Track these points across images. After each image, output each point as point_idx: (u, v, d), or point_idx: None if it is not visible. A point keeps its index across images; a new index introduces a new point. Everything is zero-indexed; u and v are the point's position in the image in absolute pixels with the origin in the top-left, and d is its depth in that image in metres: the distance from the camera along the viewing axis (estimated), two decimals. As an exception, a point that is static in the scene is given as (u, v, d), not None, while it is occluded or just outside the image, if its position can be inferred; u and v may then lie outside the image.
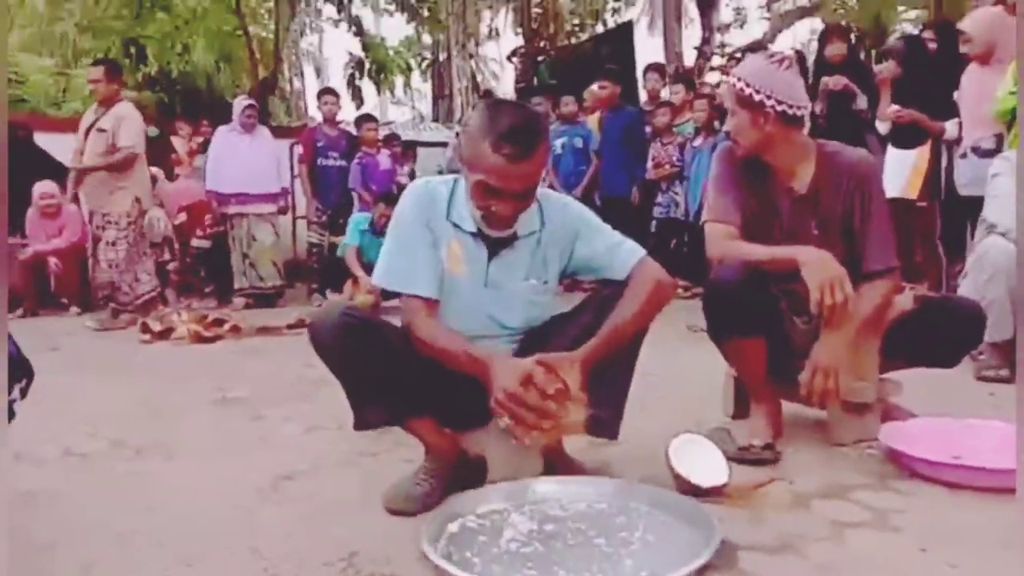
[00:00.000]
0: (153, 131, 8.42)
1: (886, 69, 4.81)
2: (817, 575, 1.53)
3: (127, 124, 5.58)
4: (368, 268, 5.56)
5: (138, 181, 5.77)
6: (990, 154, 3.87)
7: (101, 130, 5.55)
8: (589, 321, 1.87)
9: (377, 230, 5.91)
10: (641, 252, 1.95)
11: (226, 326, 5.09)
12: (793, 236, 2.28)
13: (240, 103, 6.91)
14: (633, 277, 1.89)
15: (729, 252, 2.26)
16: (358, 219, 6.37)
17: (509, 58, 14.87)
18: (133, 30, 13.38)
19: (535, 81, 11.64)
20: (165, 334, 4.96)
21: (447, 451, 1.98)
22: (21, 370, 1.70)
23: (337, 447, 2.47)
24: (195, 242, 6.94)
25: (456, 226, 1.91)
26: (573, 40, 14.51)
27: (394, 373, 1.84)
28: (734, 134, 2.33)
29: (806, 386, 2.15)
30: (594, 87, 7.23)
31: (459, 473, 1.97)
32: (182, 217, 7.00)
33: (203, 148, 7.66)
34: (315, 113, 8.09)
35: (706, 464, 1.98)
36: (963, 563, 1.55)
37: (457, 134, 8.71)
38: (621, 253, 1.94)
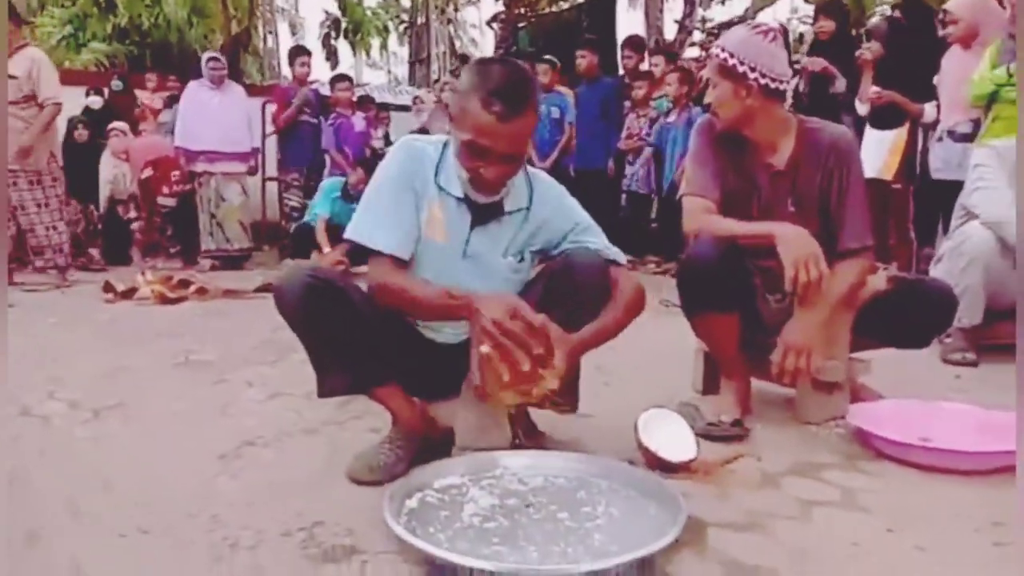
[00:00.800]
0: (118, 84, 8.23)
1: (869, 50, 4.79)
2: (785, 553, 1.52)
3: (44, 73, 5.10)
4: (338, 238, 5.36)
5: (53, 134, 5.37)
6: (966, 138, 3.88)
7: (11, 77, 5.00)
8: (540, 291, 1.87)
9: (353, 195, 5.79)
10: (623, 258, 1.96)
11: (191, 288, 5.00)
12: (770, 212, 2.26)
13: (205, 56, 6.76)
14: (617, 285, 1.88)
15: (705, 227, 2.24)
16: (328, 186, 6.23)
17: (489, 23, 14.66)
18: (102, -22, 12.99)
19: (515, 48, 11.47)
20: (128, 294, 4.86)
21: (414, 421, 1.93)
22: None
23: (301, 415, 2.42)
24: (161, 200, 6.78)
25: (442, 189, 1.85)
26: (554, 8, 14.30)
27: (360, 338, 1.79)
28: (715, 106, 2.29)
29: (778, 365, 2.15)
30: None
31: (426, 444, 1.93)
32: (148, 172, 6.81)
33: (169, 103, 7.48)
34: (289, 73, 7.94)
35: (675, 439, 1.96)
36: (930, 545, 1.54)
37: (415, 99, 8.55)
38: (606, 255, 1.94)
